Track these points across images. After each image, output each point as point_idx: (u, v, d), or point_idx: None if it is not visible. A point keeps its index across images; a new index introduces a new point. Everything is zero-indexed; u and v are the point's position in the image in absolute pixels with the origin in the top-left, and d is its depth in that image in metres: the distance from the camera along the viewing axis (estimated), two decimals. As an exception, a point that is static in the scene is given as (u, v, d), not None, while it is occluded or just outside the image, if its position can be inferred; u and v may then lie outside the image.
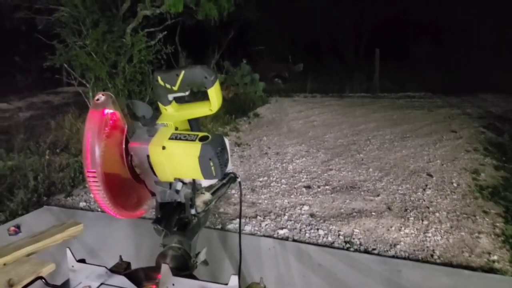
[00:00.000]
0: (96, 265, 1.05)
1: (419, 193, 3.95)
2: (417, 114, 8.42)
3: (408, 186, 4.15)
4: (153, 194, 1.20)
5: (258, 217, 3.50)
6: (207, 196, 1.21)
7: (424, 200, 3.78)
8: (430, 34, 16.62)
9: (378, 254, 2.88)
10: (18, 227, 3.25)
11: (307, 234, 3.19)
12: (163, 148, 1.04)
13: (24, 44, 11.82)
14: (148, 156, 1.08)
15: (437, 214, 3.47)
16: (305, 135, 6.64)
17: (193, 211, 1.14)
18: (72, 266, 1.05)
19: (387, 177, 4.45)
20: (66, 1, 6.27)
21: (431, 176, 4.44)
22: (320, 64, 16.71)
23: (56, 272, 1.32)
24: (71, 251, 1.05)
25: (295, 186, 4.26)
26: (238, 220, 3.41)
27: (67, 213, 3.64)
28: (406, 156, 5.24)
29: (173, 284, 0.96)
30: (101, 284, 1.01)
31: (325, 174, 4.61)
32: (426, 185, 4.15)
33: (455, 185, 4.15)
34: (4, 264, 1.28)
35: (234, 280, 0.89)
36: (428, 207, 3.62)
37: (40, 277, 1.14)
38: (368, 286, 2.43)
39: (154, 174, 1.11)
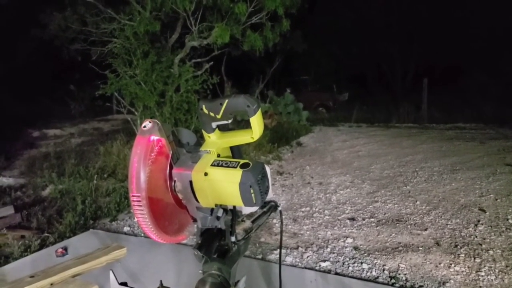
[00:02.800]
0: (137, 288, 1.06)
1: (471, 229, 3.72)
2: (467, 145, 8.02)
3: (458, 221, 3.92)
4: (194, 220, 1.21)
5: (300, 248, 3.42)
6: (247, 223, 1.21)
7: (476, 237, 3.54)
8: (482, 63, 16.03)
9: (426, 293, 2.72)
10: (65, 249, 3.38)
11: (350, 268, 3.08)
12: (205, 174, 1.06)
13: (79, 73, 12.68)
14: (190, 182, 1.10)
15: (490, 251, 3.24)
16: (349, 165, 6.51)
17: (233, 239, 1.14)
18: (115, 289, 1.07)
19: (435, 210, 4.23)
20: (119, 33, 6.70)
21: (483, 211, 4.18)
22: (366, 93, 16.52)
23: (100, 293, 1.36)
24: (114, 273, 1.08)
25: (339, 217, 4.15)
26: (278, 250, 3.36)
27: (112, 237, 3.76)
28: (456, 189, 4.98)
29: (211, 312, 0.95)
30: (141, 308, 1.02)
31: (370, 206, 4.46)
32: (478, 221, 3.91)
33: (511, 221, 3.87)
34: (51, 284, 1.34)
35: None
36: (481, 244, 3.39)
37: (84, 298, 1.17)
38: (416, 327, 2.28)
39: (196, 200, 1.13)
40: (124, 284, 1.09)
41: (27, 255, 3.32)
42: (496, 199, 4.53)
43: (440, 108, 12.43)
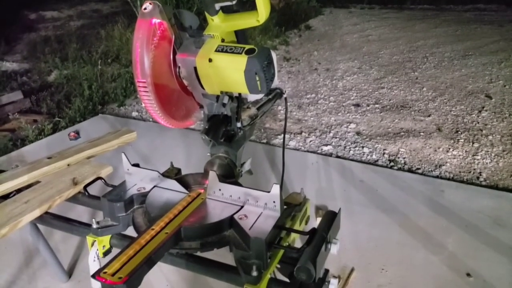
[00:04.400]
0: (150, 169, 1.12)
1: (474, 115, 3.76)
2: (484, 29, 7.62)
3: (462, 108, 3.94)
4: (201, 106, 1.23)
5: (303, 133, 3.53)
6: (252, 110, 1.23)
7: (478, 123, 3.60)
8: None
9: (422, 174, 2.87)
10: (77, 132, 3.50)
11: (351, 152, 3.20)
12: (210, 60, 1.04)
13: None
14: (195, 68, 1.08)
15: (490, 137, 3.32)
16: (358, 50, 6.31)
17: (239, 124, 1.16)
18: (128, 170, 1.14)
19: (441, 97, 4.23)
20: None
21: (490, 97, 4.17)
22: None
23: (113, 174, 1.44)
24: (126, 156, 1.13)
25: (344, 104, 4.18)
26: (282, 135, 3.47)
27: (121, 122, 3.86)
28: (465, 75, 4.90)
29: (220, 189, 1.02)
30: (154, 186, 1.09)
31: (376, 92, 4.45)
32: (483, 107, 3.92)
33: (516, 108, 3.88)
34: (68, 165, 1.41)
35: (276, 189, 0.93)
36: (482, 130, 3.46)
37: (100, 178, 1.25)
38: (409, 204, 2.46)
39: (202, 86, 1.12)
40: (136, 165, 1.15)
41: (41, 138, 3.47)
42: (505, 86, 4.48)
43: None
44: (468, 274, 1.90)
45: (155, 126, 3.62)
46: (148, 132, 3.51)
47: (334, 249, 0.92)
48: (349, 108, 4.07)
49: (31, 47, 6.56)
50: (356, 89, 4.57)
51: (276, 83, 1.16)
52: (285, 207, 1.03)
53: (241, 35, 1.18)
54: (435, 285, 1.85)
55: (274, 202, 0.95)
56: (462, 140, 3.29)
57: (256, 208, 0.97)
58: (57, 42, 6.52)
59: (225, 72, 1.04)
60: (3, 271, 2.02)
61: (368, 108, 4.05)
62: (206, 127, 1.14)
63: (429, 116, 3.79)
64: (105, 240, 1.06)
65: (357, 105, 4.13)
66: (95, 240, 1.04)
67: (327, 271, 0.92)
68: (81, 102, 4.06)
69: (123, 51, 5.77)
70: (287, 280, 0.89)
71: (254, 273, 0.83)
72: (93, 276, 0.74)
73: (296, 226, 1.05)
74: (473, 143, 3.24)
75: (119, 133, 1.65)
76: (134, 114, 4.06)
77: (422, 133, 3.44)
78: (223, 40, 1.10)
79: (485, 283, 1.85)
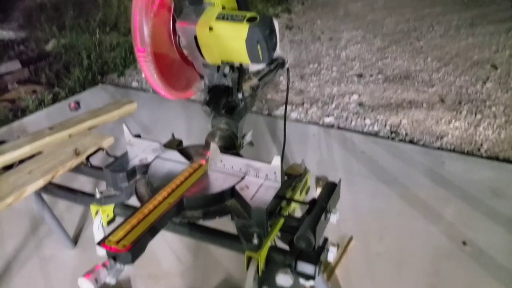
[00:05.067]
0: (151, 140, 1.13)
1: (478, 86, 3.72)
2: (492, -4, 7.42)
3: (467, 78, 3.89)
4: (201, 77, 1.21)
5: (305, 105, 3.51)
6: (254, 81, 1.21)
7: (482, 94, 3.57)
8: None
9: (423, 145, 2.87)
10: (78, 103, 3.49)
11: (353, 123, 3.20)
12: (210, 29, 1.02)
13: None
14: (195, 37, 1.06)
15: (493, 108, 3.30)
16: (362, 19, 6.17)
17: (240, 95, 1.15)
18: (129, 141, 1.14)
19: (445, 67, 4.17)
20: None
21: (495, 68, 4.11)
22: None
23: (115, 145, 1.45)
24: (127, 126, 1.13)
25: (346, 74, 4.13)
26: (284, 106, 3.45)
27: (121, 92, 3.84)
28: (471, 45, 4.81)
29: (221, 161, 1.03)
30: (156, 157, 1.10)
31: (380, 63, 4.39)
32: (488, 78, 3.87)
33: (521, 79, 3.84)
34: (70, 136, 1.42)
35: (276, 160, 0.94)
36: (485, 101, 3.43)
37: (102, 148, 1.25)
38: (409, 175, 2.48)
39: (202, 56, 1.11)
40: (138, 136, 1.15)
41: (41, 109, 3.46)
42: (511, 56, 4.41)
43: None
44: (465, 243, 1.94)
45: (156, 97, 3.60)
46: (148, 103, 3.50)
47: (333, 218, 0.93)
48: (352, 78, 4.02)
49: (26, 14, 6.43)
50: (360, 59, 4.51)
51: (278, 52, 1.14)
52: (285, 178, 1.04)
53: (243, 2, 1.15)
54: (432, 253, 1.89)
55: (275, 173, 0.95)
56: (465, 112, 3.27)
57: (257, 179, 0.98)
58: (53, 10, 6.38)
59: (226, 41, 1.02)
60: (11, 239, 2.07)
61: (371, 78, 4.00)
62: (207, 98, 1.13)
63: (432, 87, 3.75)
64: (109, 209, 1.07)
65: (360, 75, 4.09)
66: (99, 209, 1.05)
67: (326, 239, 0.94)
68: (80, 72, 4.02)
69: (122, 19, 5.66)
70: (287, 248, 0.91)
71: (255, 241, 0.85)
72: (98, 243, 0.76)
73: (297, 197, 1.06)
74: (475, 114, 3.23)
75: (120, 103, 1.64)
76: (134, 84, 4.03)
77: (425, 104, 3.41)
78: (223, 8, 1.08)
79: (481, 251, 1.89)
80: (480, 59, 4.36)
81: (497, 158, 2.68)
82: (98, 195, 1.04)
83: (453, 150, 2.80)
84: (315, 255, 0.88)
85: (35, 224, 2.15)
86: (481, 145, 2.84)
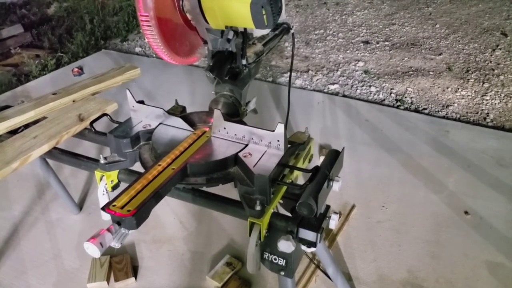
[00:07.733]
0: (155, 106, 1.12)
1: (487, 54, 3.64)
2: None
3: (476, 46, 3.81)
4: (205, 42, 1.19)
5: (310, 72, 3.46)
6: (258, 47, 1.19)
7: (491, 62, 3.50)
8: None
9: (428, 114, 2.85)
10: (81, 68, 3.46)
11: (358, 90, 3.16)
12: (214, -8, 0.99)
13: None
14: (199, 1, 1.03)
15: (501, 77, 3.25)
16: (369, -17, 5.98)
17: (244, 61, 1.14)
18: (133, 106, 1.13)
19: (454, 34, 4.07)
20: None
21: (505, 35, 4.00)
22: None
23: (118, 111, 1.44)
24: (131, 92, 1.12)
25: (353, 40, 4.05)
26: (289, 73, 3.40)
27: (124, 57, 3.80)
28: (481, 11, 4.67)
29: (224, 128, 1.03)
30: (160, 123, 1.10)
31: (387, 29, 4.29)
32: (497, 45, 3.79)
33: (531, 46, 3.75)
34: (73, 101, 1.41)
35: (280, 128, 0.93)
36: (493, 69, 3.37)
37: (106, 114, 1.25)
38: (412, 144, 2.47)
39: (206, 21, 1.08)
40: (141, 102, 1.15)
41: (45, 74, 3.44)
42: (522, 23, 4.29)
43: None
44: (466, 212, 1.96)
45: (159, 62, 3.56)
46: (152, 68, 3.46)
47: (336, 186, 0.94)
48: (358, 45, 3.94)
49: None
50: (366, 25, 4.40)
51: (283, 17, 1.12)
52: (289, 145, 1.04)
53: (247, -35, 1.11)
54: (433, 222, 1.92)
55: (278, 141, 0.95)
56: (472, 80, 3.22)
57: (260, 146, 0.98)
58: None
59: (230, 5, 1.00)
60: (17, 203, 2.11)
61: (377, 45, 3.92)
62: (211, 64, 1.11)
63: (440, 54, 3.68)
64: (113, 175, 1.08)
65: (366, 42, 4.00)
66: (103, 175, 1.06)
67: (328, 207, 0.95)
68: (83, 37, 3.96)
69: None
70: (289, 214, 0.92)
71: (258, 208, 0.86)
72: (103, 208, 0.77)
73: (300, 164, 1.06)
74: (483, 83, 3.18)
75: (123, 69, 1.62)
76: (137, 49, 3.98)
77: (431, 72, 3.36)
78: (228, -29, 1.04)
79: (482, 220, 1.91)
80: (490, 26, 4.25)
81: (502, 128, 2.67)
82: (102, 161, 1.05)
83: (459, 120, 2.78)
84: (317, 222, 0.89)
85: (41, 189, 2.19)
86: (487, 114, 2.81)
